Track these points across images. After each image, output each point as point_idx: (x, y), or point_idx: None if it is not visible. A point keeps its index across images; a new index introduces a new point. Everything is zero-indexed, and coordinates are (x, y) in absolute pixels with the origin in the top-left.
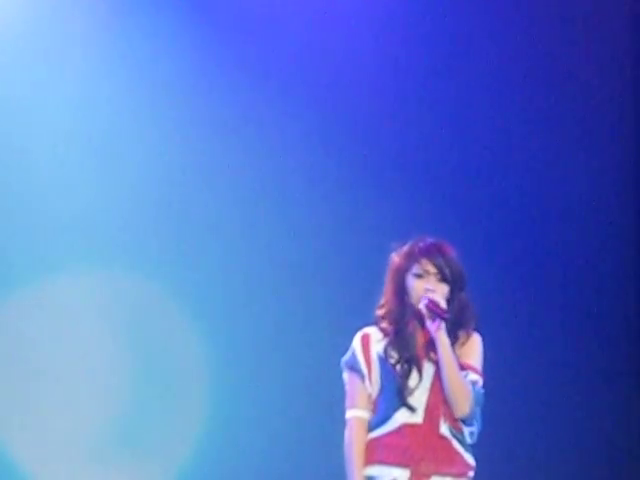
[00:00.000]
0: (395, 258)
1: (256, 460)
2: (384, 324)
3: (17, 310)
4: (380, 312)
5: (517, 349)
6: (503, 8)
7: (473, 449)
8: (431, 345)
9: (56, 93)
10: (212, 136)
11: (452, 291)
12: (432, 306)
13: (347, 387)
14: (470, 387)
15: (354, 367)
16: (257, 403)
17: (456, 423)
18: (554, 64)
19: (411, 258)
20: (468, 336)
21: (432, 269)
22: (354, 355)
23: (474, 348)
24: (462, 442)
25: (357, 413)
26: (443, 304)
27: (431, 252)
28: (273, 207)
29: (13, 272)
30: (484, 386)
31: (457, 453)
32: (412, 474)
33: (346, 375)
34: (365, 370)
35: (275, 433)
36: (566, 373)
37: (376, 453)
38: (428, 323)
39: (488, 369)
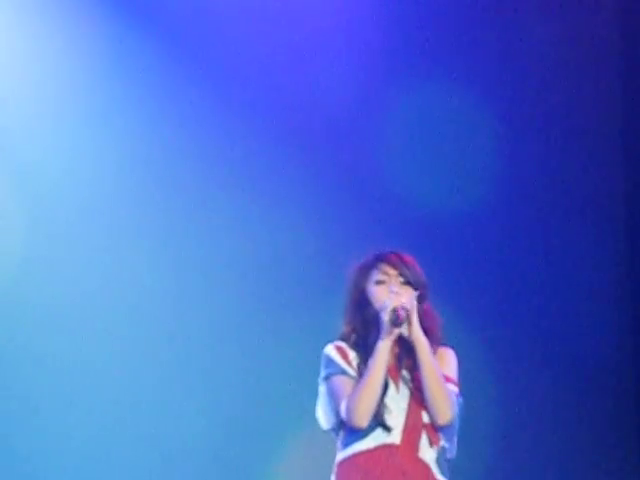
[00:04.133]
0: (353, 270)
1: None
2: (352, 340)
3: None
4: (347, 329)
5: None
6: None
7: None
8: (404, 359)
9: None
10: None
11: (417, 298)
12: (400, 311)
13: (333, 390)
14: (451, 392)
15: (337, 371)
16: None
17: (436, 439)
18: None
19: (370, 266)
20: (439, 350)
21: (393, 271)
22: (333, 361)
23: (449, 360)
24: (440, 465)
25: None
26: (410, 305)
27: (390, 257)
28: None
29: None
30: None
31: (433, 476)
32: None
33: (324, 387)
34: (350, 371)
35: None
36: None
37: (349, 476)
38: (397, 330)
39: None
